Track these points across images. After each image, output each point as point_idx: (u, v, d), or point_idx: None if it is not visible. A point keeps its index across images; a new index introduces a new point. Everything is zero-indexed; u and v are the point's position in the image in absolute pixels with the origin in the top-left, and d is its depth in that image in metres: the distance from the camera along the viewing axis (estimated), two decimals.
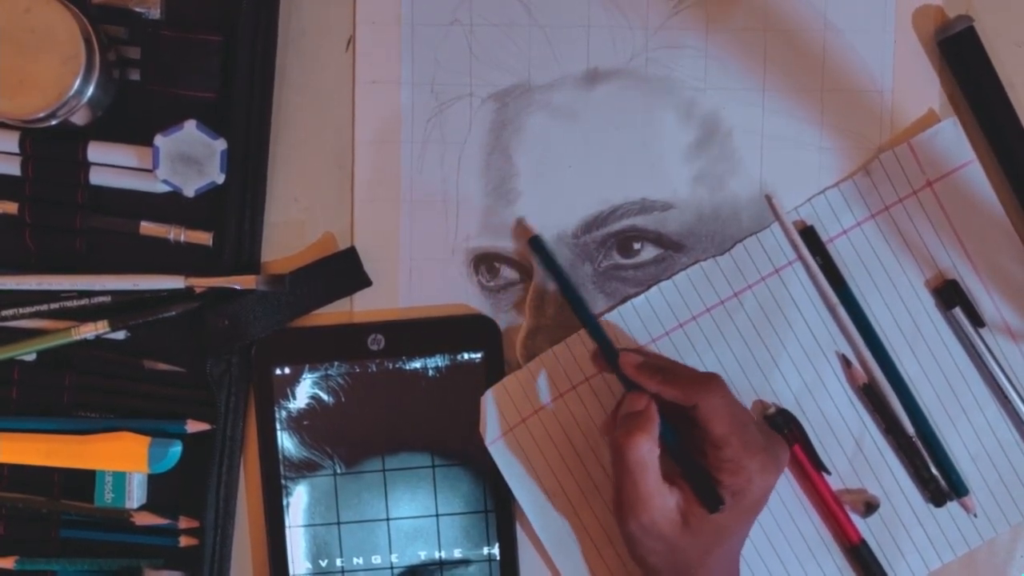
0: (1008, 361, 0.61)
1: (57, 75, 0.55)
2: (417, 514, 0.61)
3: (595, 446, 0.60)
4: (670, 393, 0.54)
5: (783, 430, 0.60)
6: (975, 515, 0.61)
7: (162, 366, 0.60)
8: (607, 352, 0.58)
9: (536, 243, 0.60)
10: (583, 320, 0.59)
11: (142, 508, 0.60)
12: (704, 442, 0.54)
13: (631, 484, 0.53)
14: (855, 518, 0.61)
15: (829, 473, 0.61)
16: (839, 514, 0.60)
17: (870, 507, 0.61)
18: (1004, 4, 0.61)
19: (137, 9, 0.59)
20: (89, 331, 0.59)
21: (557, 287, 0.60)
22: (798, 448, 0.60)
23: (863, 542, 0.60)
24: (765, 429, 0.55)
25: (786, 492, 0.61)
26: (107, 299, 0.59)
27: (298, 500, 0.61)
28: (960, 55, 0.60)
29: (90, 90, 0.56)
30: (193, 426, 0.60)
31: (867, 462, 0.61)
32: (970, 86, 0.60)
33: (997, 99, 0.60)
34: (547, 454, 0.60)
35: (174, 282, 0.59)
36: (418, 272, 0.61)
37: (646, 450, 0.53)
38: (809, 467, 0.60)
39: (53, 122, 0.56)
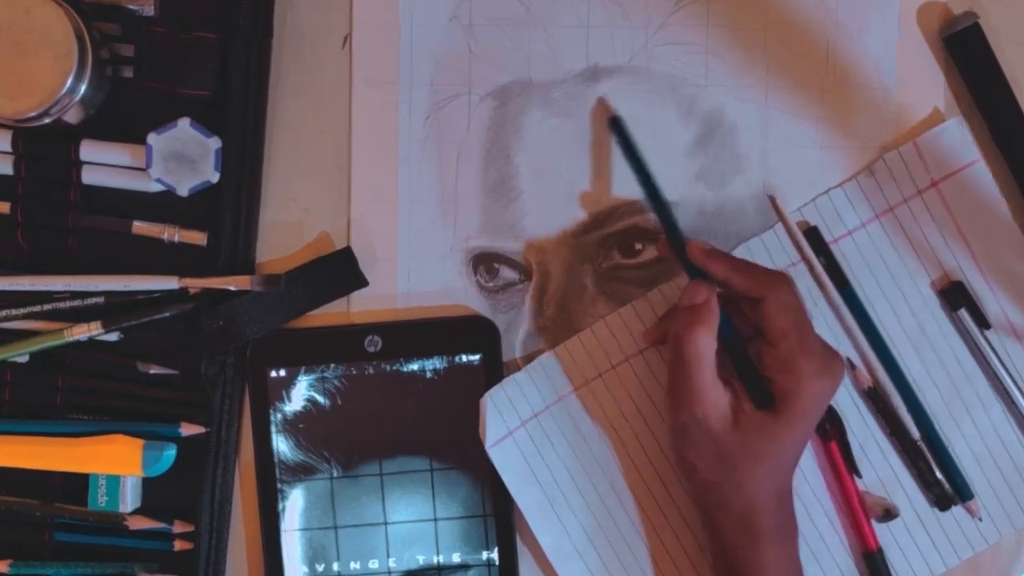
0: (1014, 363, 0.60)
1: (49, 73, 0.54)
2: (415, 518, 0.60)
3: (596, 449, 0.60)
4: (739, 281, 0.53)
5: (824, 425, 0.59)
6: (980, 519, 0.60)
7: (156, 368, 0.60)
8: (674, 239, 0.56)
9: (616, 124, 0.59)
10: (656, 209, 0.57)
11: (136, 512, 0.60)
12: (761, 340, 0.53)
13: (686, 377, 0.53)
14: None
15: (860, 476, 0.60)
16: (861, 518, 0.59)
17: (888, 514, 0.60)
18: (1009, 0, 0.60)
19: (130, 6, 0.58)
20: (82, 332, 0.58)
21: (633, 173, 0.58)
22: (834, 445, 0.59)
23: (880, 549, 0.59)
24: (825, 343, 0.54)
25: (803, 489, 0.60)
26: (100, 300, 0.59)
27: (294, 504, 0.60)
28: (965, 52, 0.60)
29: (83, 88, 0.55)
30: (187, 429, 0.59)
31: (871, 465, 0.60)
32: (976, 84, 0.60)
33: (1003, 97, 0.59)
34: (547, 457, 0.60)
35: (168, 283, 0.59)
36: (416, 272, 0.61)
37: (704, 343, 0.53)
38: (842, 467, 0.59)
39: (46, 120, 0.56)
